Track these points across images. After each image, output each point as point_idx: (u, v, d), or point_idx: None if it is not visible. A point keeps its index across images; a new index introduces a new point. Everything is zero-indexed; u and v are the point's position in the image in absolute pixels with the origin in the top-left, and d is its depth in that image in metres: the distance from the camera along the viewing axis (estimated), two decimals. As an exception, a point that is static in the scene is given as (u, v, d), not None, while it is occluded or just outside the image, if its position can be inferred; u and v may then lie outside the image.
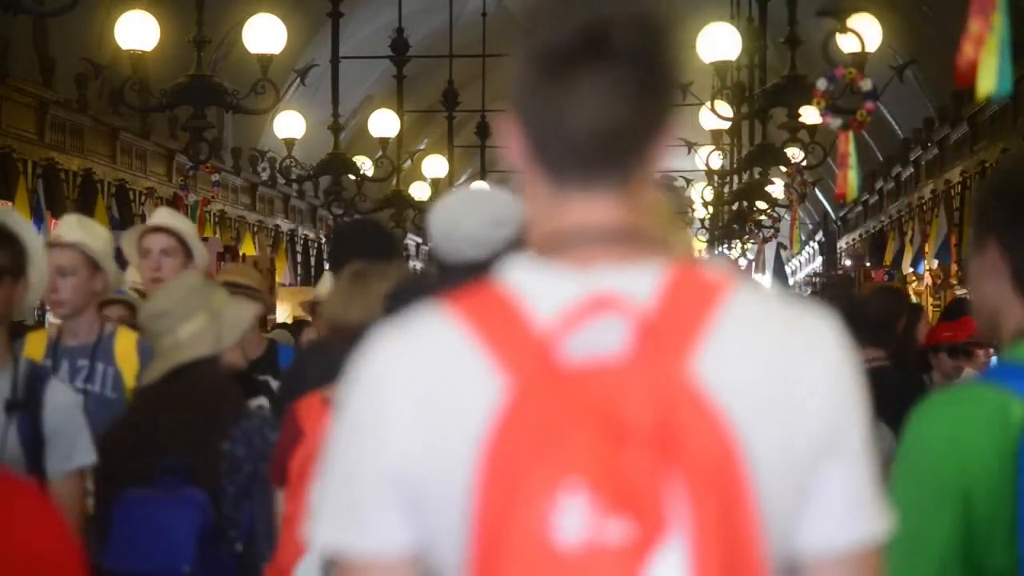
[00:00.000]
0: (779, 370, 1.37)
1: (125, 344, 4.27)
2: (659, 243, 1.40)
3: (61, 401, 3.28)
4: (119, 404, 4.13)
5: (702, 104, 13.18)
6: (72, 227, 4.32)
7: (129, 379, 4.21)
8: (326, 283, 5.68)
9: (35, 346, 4.25)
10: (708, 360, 1.34)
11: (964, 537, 1.82)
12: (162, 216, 5.01)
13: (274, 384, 4.86)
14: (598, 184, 1.39)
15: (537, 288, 1.37)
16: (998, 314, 2.03)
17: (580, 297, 1.34)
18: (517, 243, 3.32)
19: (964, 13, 3.32)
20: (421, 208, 17.82)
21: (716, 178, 18.33)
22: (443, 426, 1.35)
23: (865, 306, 5.28)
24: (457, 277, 2.59)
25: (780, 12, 11.01)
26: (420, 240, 26.30)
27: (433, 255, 3.17)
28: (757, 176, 15.77)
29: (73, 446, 3.26)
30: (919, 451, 1.92)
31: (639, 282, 1.37)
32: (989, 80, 3.05)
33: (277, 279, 20.13)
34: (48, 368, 3.96)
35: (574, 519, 1.27)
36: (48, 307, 4.41)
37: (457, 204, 3.08)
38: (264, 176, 19.78)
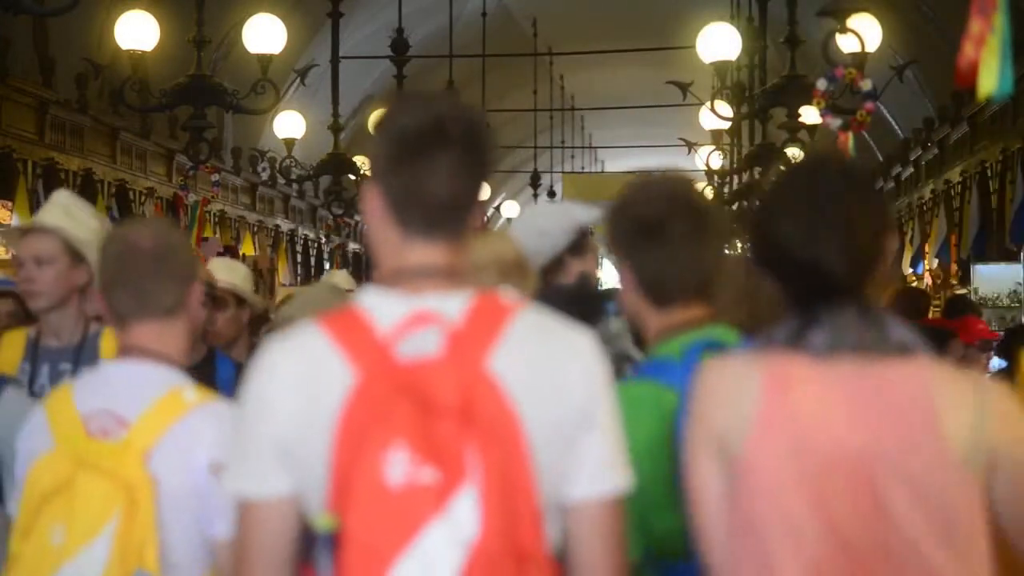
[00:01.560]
0: (549, 366, 1.94)
1: (112, 346, 3.77)
2: (471, 278, 1.99)
3: (14, 413, 3.02)
4: None
5: (702, 104, 13.16)
6: (54, 211, 3.89)
7: None
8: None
9: (12, 347, 3.87)
10: (499, 359, 1.90)
11: (639, 503, 2.16)
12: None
13: None
14: (436, 235, 1.97)
15: (379, 308, 1.95)
16: (640, 320, 2.51)
17: (409, 314, 1.92)
18: (571, 247, 3.75)
19: (964, 13, 3.31)
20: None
21: (716, 178, 18.30)
22: (310, 404, 1.91)
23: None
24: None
25: (780, 12, 11.00)
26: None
27: None
28: (757, 176, 15.77)
29: None
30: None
31: (452, 305, 1.94)
32: (990, 80, 3.05)
33: (278, 279, 20.14)
34: (2, 378, 3.64)
35: (399, 467, 1.83)
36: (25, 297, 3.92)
37: (534, 219, 3.76)
38: (264, 176, 19.77)
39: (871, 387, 2.06)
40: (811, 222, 2.12)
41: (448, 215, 1.96)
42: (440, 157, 1.93)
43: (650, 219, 2.44)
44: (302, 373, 1.94)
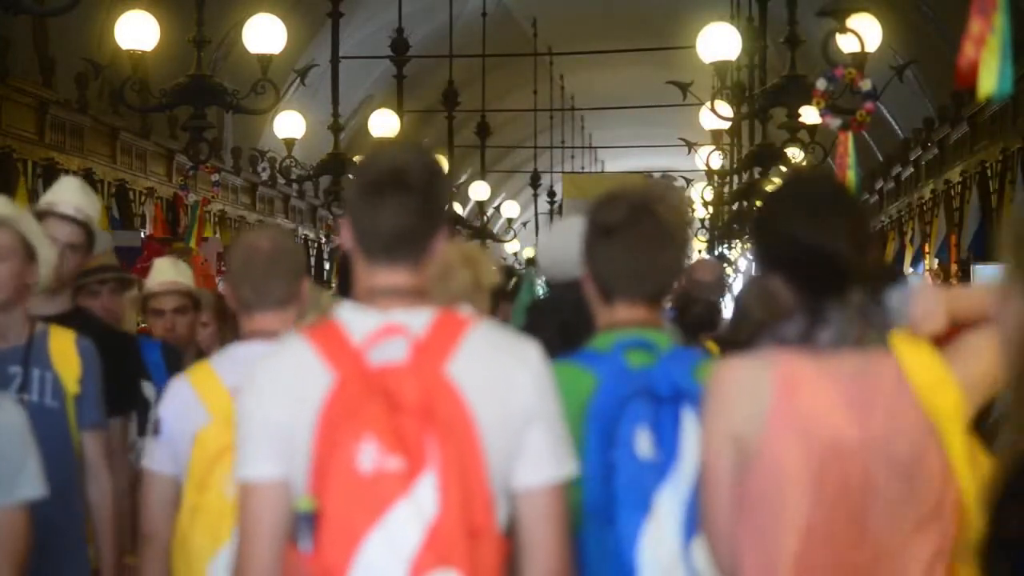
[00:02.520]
0: (499, 372, 2.27)
1: (61, 343, 3.71)
2: (433, 298, 2.35)
3: (5, 422, 2.85)
4: (60, 414, 3.67)
5: (702, 104, 13.16)
6: (7, 206, 3.70)
7: (70, 383, 3.69)
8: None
9: None
10: (456, 366, 2.25)
11: None
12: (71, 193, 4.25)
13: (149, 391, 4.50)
14: (397, 262, 2.32)
15: (354, 321, 2.30)
16: (594, 313, 2.75)
17: (379, 326, 2.27)
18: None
19: (964, 13, 3.31)
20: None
21: (716, 178, 18.32)
22: (296, 401, 2.25)
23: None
24: (568, 292, 3.25)
25: (780, 12, 11.01)
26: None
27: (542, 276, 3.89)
28: (757, 176, 15.77)
29: (18, 474, 2.84)
30: None
31: (418, 319, 2.29)
32: (990, 80, 3.05)
33: (277, 279, 20.11)
34: None
35: (369, 456, 2.16)
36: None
37: (561, 233, 3.69)
38: (264, 176, 19.79)
39: (866, 381, 2.35)
40: (816, 214, 2.39)
41: (403, 247, 2.32)
42: (395, 199, 2.31)
43: (606, 223, 2.70)
44: (290, 375, 2.29)
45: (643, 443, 2.54)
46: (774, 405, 2.32)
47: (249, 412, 2.31)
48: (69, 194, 4.16)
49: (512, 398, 2.25)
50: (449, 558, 2.15)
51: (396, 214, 2.30)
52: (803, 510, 2.30)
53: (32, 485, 2.87)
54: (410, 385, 2.21)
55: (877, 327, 2.37)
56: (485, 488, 2.18)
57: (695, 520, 2.48)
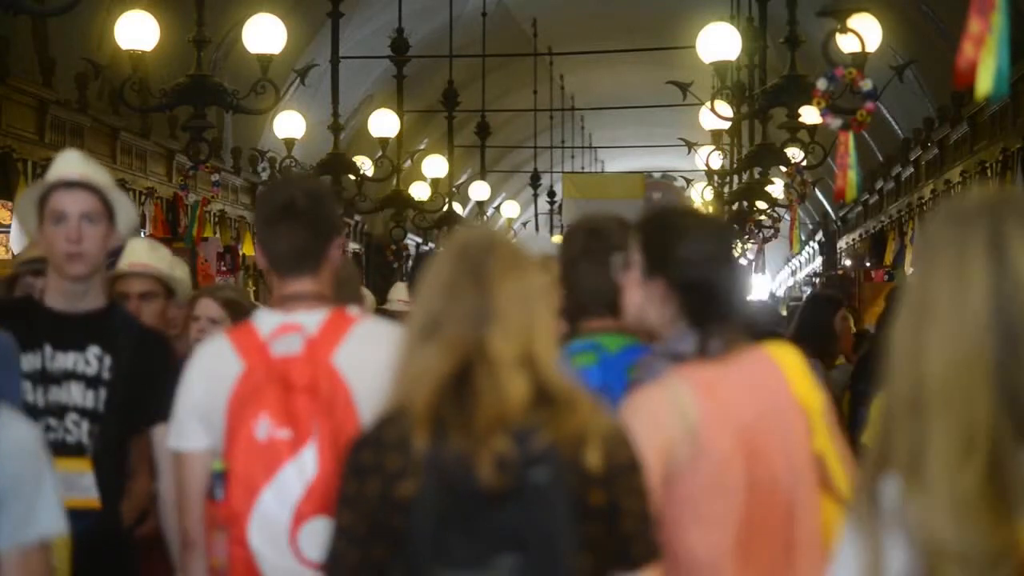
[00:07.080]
0: (374, 359, 2.56)
1: None
2: (329, 300, 2.96)
3: (19, 443, 2.31)
4: None
5: (702, 104, 13.15)
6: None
7: None
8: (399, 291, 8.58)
9: None
10: (339, 355, 2.86)
11: None
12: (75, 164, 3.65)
13: None
14: (299, 274, 2.95)
15: (263, 321, 2.94)
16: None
17: (280, 324, 2.91)
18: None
19: (964, 13, 3.31)
20: (421, 208, 17.82)
21: (716, 178, 18.29)
22: (215, 385, 2.88)
23: None
24: None
25: (780, 12, 11.00)
26: (420, 240, 26.28)
27: None
28: (757, 176, 15.76)
29: (32, 507, 2.30)
30: None
31: (312, 319, 2.92)
32: (987, 80, 3.05)
33: (277, 279, 20.05)
34: None
35: (264, 428, 2.80)
36: None
37: (534, 243, 4.27)
38: (264, 176, 19.77)
39: (748, 373, 2.72)
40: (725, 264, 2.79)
41: (301, 262, 2.94)
42: (287, 227, 2.92)
43: (570, 250, 3.15)
44: (211, 365, 2.93)
45: None
46: (703, 409, 2.60)
47: (183, 394, 2.95)
48: (72, 165, 3.60)
49: (384, 380, 2.57)
50: (324, 508, 2.66)
51: (290, 238, 2.91)
52: (739, 487, 2.60)
53: (51, 518, 2.34)
54: (302, 372, 2.82)
55: (746, 332, 2.73)
56: None
57: None
